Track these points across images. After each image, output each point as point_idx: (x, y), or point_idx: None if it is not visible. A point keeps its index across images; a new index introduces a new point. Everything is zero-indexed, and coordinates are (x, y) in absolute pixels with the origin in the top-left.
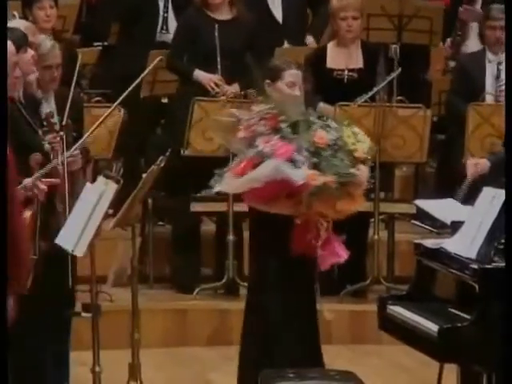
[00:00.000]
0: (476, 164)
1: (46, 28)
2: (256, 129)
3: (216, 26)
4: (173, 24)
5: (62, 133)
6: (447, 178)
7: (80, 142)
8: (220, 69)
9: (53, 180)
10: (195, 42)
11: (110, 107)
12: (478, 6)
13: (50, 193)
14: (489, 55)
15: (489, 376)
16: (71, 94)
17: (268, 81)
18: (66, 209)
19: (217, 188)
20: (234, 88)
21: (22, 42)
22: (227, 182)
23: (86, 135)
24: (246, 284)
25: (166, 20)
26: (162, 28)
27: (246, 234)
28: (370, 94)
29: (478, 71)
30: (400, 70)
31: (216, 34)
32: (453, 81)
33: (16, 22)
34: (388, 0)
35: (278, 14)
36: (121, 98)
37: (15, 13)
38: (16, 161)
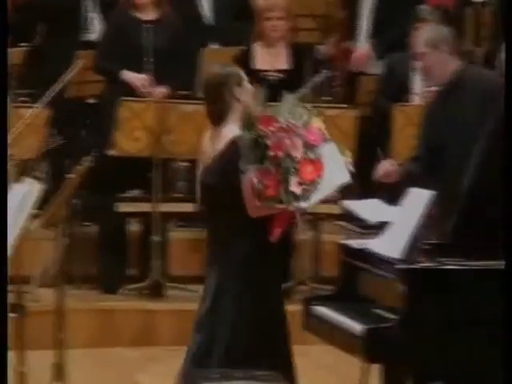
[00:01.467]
0: (385, 168)
1: None
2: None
3: (143, 26)
4: (97, 24)
5: None
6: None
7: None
8: (148, 69)
9: None
10: (122, 42)
11: (36, 107)
12: None
13: None
14: None
15: (415, 376)
16: None
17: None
18: None
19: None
20: (163, 88)
21: None
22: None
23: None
24: (170, 284)
25: (90, 19)
26: (87, 28)
27: (171, 235)
28: (297, 95)
29: (405, 73)
30: (328, 71)
31: (144, 34)
32: (379, 81)
33: None
34: (315, 1)
35: (207, 15)
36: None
37: None
38: None
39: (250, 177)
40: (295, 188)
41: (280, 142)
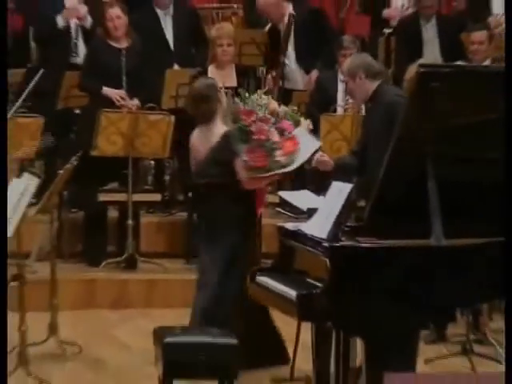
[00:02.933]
0: (322, 158)
1: None
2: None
3: (118, 52)
4: (82, 49)
5: None
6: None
7: None
8: (124, 86)
9: None
10: (102, 65)
11: (31, 117)
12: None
13: None
14: (340, 76)
15: (337, 331)
16: None
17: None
18: None
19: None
20: (135, 101)
21: None
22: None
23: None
24: (141, 259)
25: (76, 46)
26: (73, 52)
27: (143, 219)
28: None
29: (332, 88)
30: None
31: (119, 58)
32: (311, 94)
33: None
34: (256, 31)
35: (170, 41)
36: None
37: None
38: None
39: (243, 156)
40: (280, 158)
41: (260, 129)
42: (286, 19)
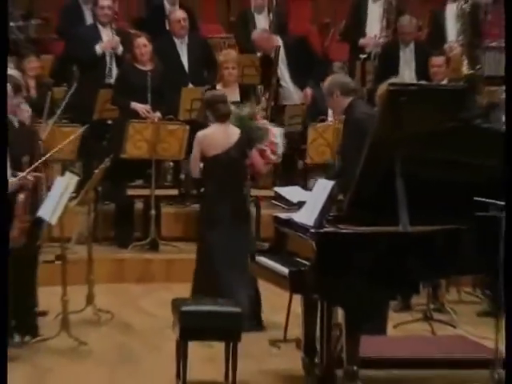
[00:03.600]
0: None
1: (32, 75)
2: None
3: (144, 73)
4: (114, 71)
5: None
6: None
7: (50, 153)
8: (149, 101)
9: (38, 174)
10: (130, 85)
11: (74, 126)
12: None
13: (35, 183)
14: None
15: (321, 302)
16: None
17: None
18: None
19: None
20: (158, 114)
21: (17, 87)
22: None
23: (55, 149)
24: (162, 242)
25: (110, 69)
26: (107, 75)
27: (163, 210)
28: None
29: (323, 103)
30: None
31: (144, 78)
32: (307, 108)
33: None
34: (254, 56)
35: (186, 65)
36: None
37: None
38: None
39: (256, 150)
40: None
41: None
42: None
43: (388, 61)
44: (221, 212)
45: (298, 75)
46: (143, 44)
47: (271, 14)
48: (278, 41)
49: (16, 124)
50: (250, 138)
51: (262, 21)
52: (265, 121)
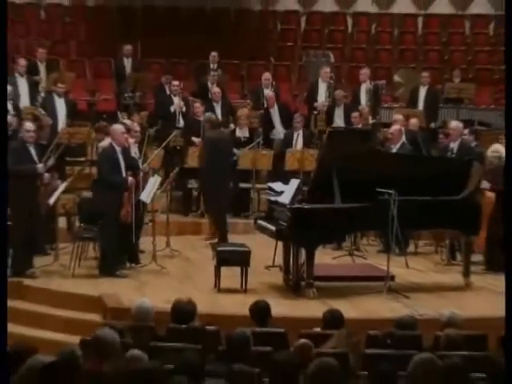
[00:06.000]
0: None
1: (137, 123)
2: None
3: (201, 122)
4: (181, 121)
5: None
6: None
7: (148, 161)
8: (201, 136)
9: (133, 179)
10: (191, 128)
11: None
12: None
13: (137, 184)
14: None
15: (293, 245)
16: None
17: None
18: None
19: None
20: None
21: (128, 129)
22: None
23: (150, 158)
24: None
25: (179, 120)
26: (177, 122)
27: None
28: None
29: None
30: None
31: (201, 125)
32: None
33: (125, 121)
34: (258, 112)
35: (219, 116)
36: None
37: (125, 117)
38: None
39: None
40: None
41: None
42: (276, 107)
43: (329, 115)
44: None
45: (283, 121)
46: (198, 106)
47: (272, 89)
48: (274, 103)
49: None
50: None
51: (268, 92)
52: None
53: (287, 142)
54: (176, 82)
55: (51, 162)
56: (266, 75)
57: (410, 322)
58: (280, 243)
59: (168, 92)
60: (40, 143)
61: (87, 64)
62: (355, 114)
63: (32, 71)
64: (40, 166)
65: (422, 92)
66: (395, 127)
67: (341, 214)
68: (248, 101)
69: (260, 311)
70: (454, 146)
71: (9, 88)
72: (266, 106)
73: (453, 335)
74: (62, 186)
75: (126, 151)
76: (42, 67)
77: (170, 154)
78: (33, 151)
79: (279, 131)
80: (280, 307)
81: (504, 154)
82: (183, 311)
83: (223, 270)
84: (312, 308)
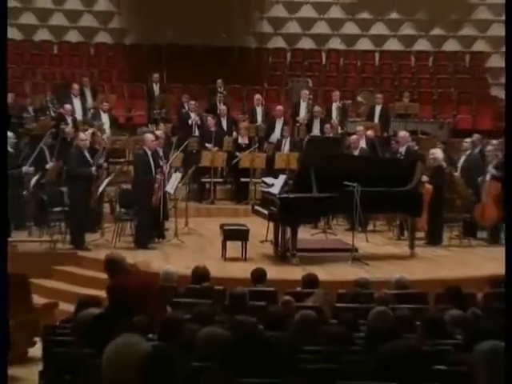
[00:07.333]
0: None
1: (164, 133)
2: None
3: (212, 131)
4: (197, 131)
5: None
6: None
7: (169, 161)
8: (213, 141)
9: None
10: (205, 136)
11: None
12: None
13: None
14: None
15: (281, 225)
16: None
17: None
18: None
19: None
20: (216, 148)
21: (156, 137)
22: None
23: (170, 159)
24: (216, 200)
25: (195, 130)
26: (193, 131)
27: (217, 187)
28: None
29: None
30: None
31: (213, 134)
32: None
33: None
34: (254, 125)
35: (225, 128)
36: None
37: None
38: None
39: None
40: None
41: None
42: (282, 118)
43: (308, 126)
44: None
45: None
46: (209, 120)
47: (262, 107)
48: (282, 115)
49: (149, 153)
50: None
51: (260, 110)
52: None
53: (277, 146)
54: (193, 102)
55: (101, 161)
56: (257, 96)
57: (365, 283)
58: (271, 223)
59: (187, 109)
60: (94, 147)
61: (125, 88)
62: (328, 126)
63: (82, 94)
64: (93, 168)
65: (378, 109)
66: (354, 137)
67: (317, 201)
68: (246, 116)
69: (259, 275)
70: (403, 150)
71: (69, 106)
72: (272, 115)
73: (383, 295)
74: (106, 181)
75: (155, 154)
76: (86, 91)
77: (189, 156)
78: (87, 154)
79: (276, 136)
80: (271, 272)
81: (438, 156)
82: (201, 274)
83: (228, 243)
84: (295, 272)
